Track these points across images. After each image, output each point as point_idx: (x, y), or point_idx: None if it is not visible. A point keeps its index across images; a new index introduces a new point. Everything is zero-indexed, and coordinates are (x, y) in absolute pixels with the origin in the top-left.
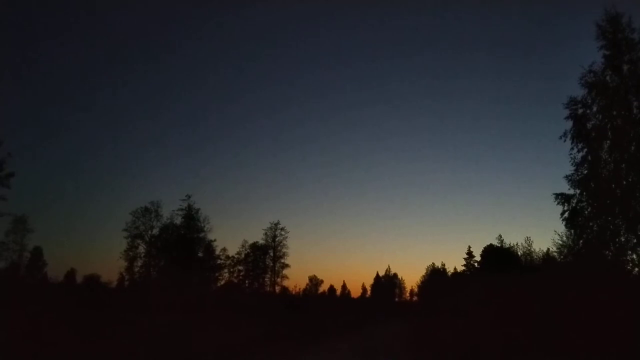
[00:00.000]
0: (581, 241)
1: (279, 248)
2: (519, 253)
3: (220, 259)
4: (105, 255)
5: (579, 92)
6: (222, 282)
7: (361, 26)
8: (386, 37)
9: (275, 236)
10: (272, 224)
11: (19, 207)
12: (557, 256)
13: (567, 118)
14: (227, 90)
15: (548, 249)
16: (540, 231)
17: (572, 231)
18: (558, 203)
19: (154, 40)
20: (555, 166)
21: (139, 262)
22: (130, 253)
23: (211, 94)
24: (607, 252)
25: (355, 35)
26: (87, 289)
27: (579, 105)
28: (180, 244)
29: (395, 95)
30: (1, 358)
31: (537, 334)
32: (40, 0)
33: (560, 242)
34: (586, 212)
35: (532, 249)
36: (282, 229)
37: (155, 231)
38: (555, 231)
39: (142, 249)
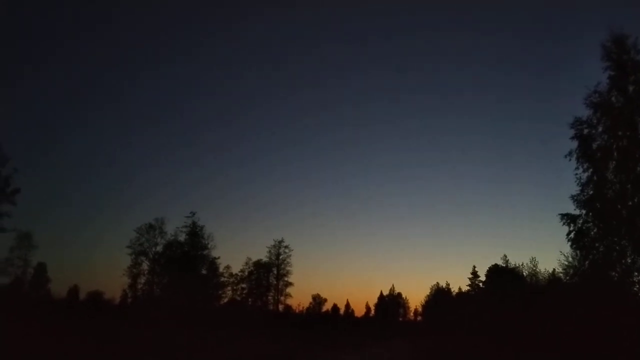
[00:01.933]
0: (587, 262)
1: (283, 266)
2: (525, 273)
3: (224, 277)
4: (108, 271)
5: (585, 112)
6: (226, 300)
7: (371, 40)
8: (399, 52)
9: (279, 254)
10: (276, 241)
11: (23, 223)
12: (562, 277)
13: (572, 138)
14: (232, 108)
15: (554, 269)
16: (545, 252)
17: (578, 252)
18: (564, 223)
19: (159, 57)
20: (561, 186)
21: (143, 279)
22: (134, 270)
23: (215, 111)
24: (614, 273)
25: (365, 51)
26: (90, 306)
27: (585, 125)
28: (183, 261)
29: (400, 114)
30: None
31: (543, 354)
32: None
33: (566, 263)
34: (592, 232)
35: (538, 270)
36: (286, 246)
37: (159, 248)
38: (560, 252)
39: (145, 265)
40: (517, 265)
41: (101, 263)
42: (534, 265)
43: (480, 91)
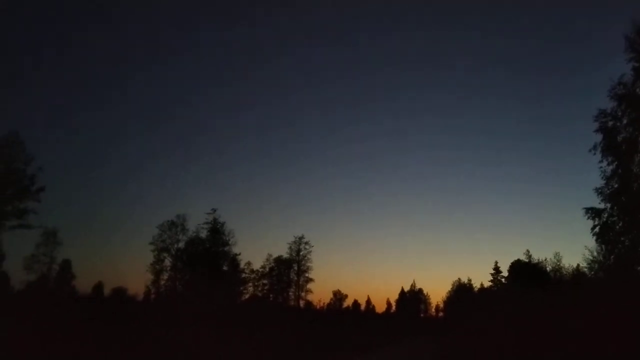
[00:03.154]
0: (612, 256)
1: (304, 262)
2: (548, 269)
3: (245, 273)
4: (132, 268)
5: (609, 105)
6: (247, 296)
7: (396, 35)
8: (420, 52)
9: (299, 250)
10: (296, 238)
11: (48, 220)
12: (587, 272)
13: (596, 131)
14: (251, 104)
15: (578, 264)
16: (569, 246)
17: (603, 246)
18: (588, 217)
19: (178, 56)
20: (585, 179)
21: (165, 275)
22: (157, 266)
23: (236, 106)
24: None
25: (384, 49)
26: (114, 302)
27: (609, 118)
28: (205, 257)
29: (423, 110)
30: None
31: (569, 351)
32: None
33: (591, 258)
34: (617, 226)
35: (562, 265)
36: (306, 243)
37: (181, 244)
38: (585, 246)
39: (168, 262)
40: (541, 260)
41: (125, 260)
42: (557, 261)
43: (501, 90)
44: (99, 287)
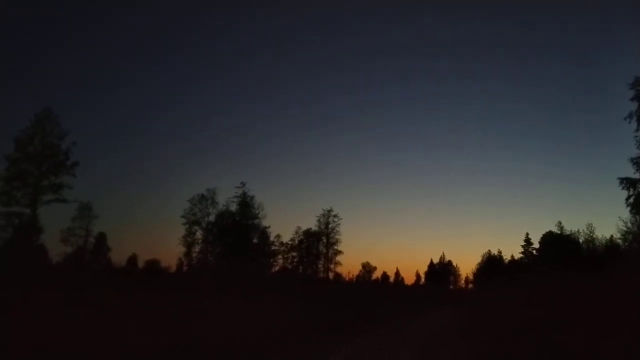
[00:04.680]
0: None
1: (332, 235)
2: (581, 240)
3: (275, 246)
4: (165, 241)
5: None
6: (277, 268)
7: (427, 23)
8: (449, 38)
9: (328, 223)
10: (325, 210)
11: (84, 194)
12: (621, 243)
13: (632, 99)
14: (278, 77)
15: (611, 235)
16: (603, 217)
17: (638, 217)
18: (623, 188)
19: (210, 30)
20: (620, 149)
21: (197, 248)
22: (188, 239)
23: (265, 83)
24: None
25: (420, 32)
26: (148, 274)
27: None
28: (235, 230)
29: (448, 93)
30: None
31: (602, 326)
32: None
33: (625, 229)
34: None
35: (595, 236)
36: (335, 215)
37: (212, 218)
38: (619, 217)
39: (199, 235)
40: (573, 231)
41: (158, 232)
42: (590, 232)
43: (531, 58)
44: (133, 259)
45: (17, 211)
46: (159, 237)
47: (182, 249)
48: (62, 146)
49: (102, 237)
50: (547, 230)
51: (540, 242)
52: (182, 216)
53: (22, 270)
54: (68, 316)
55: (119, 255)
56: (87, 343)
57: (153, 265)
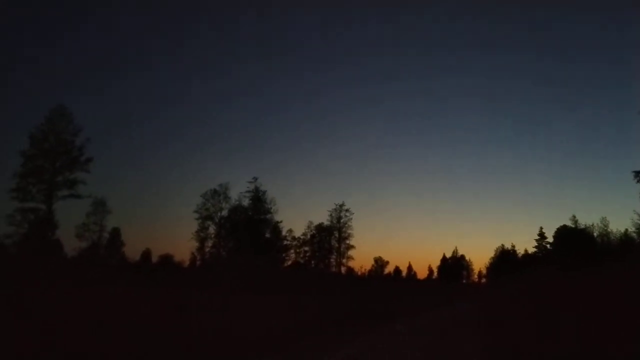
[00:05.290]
0: None
1: (344, 229)
2: (595, 234)
3: (287, 240)
4: (178, 236)
5: None
6: (289, 263)
7: (443, 19)
8: (465, 36)
9: (340, 217)
10: (337, 205)
11: (97, 190)
12: (635, 237)
13: None
14: (290, 71)
15: (626, 229)
16: (617, 211)
17: None
18: (637, 181)
19: (222, 22)
20: (634, 142)
21: (210, 243)
22: (201, 234)
23: (277, 76)
24: None
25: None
26: (161, 268)
27: None
28: (248, 225)
29: (464, 86)
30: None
31: (613, 320)
32: None
33: None
34: None
35: (609, 230)
36: (347, 210)
37: (224, 213)
38: (634, 210)
39: (212, 230)
40: (587, 225)
41: (171, 227)
42: (604, 226)
43: (547, 56)
44: (147, 254)
45: (33, 207)
46: (172, 232)
47: (195, 244)
48: (76, 142)
49: (116, 232)
50: (562, 224)
51: (554, 236)
52: (195, 211)
53: (38, 265)
54: (82, 312)
55: (132, 250)
56: (99, 339)
57: (166, 260)
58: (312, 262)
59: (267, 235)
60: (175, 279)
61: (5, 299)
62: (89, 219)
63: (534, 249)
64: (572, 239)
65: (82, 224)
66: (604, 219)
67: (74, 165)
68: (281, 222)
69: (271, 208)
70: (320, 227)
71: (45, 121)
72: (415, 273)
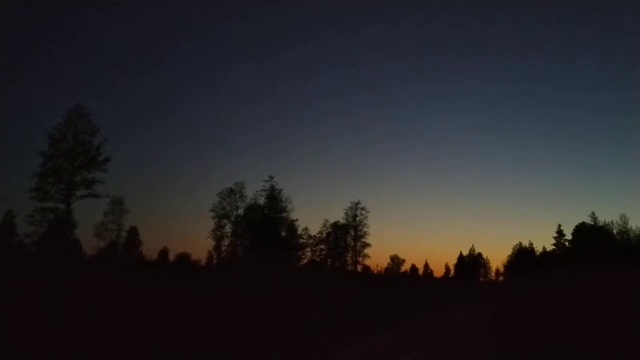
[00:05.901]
0: None
1: (360, 227)
2: (614, 231)
3: (303, 238)
4: (195, 234)
5: None
6: (305, 261)
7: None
8: (478, 39)
9: (355, 216)
10: (352, 203)
11: (115, 189)
12: None
13: None
14: (305, 69)
15: None
16: (637, 207)
17: None
18: None
19: (239, 20)
20: None
21: (226, 241)
22: (218, 232)
23: (293, 75)
24: None
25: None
26: (178, 267)
27: None
28: (264, 223)
29: (480, 78)
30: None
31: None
32: None
33: None
34: None
35: (629, 227)
36: (362, 208)
37: (240, 211)
38: None
39: (228, 228)
40: (607, 222)
41: (188, 226)
42: (624, 223)
43: (564, 53)
44: (164, 252)
45: (52, 206)
46: (189, 230)
47: (211, 242)
48: (94, 142)
49: (133, 231)
50: (580, 222)
51: (573, 234)
52: (211, 210)
53: (57, 264)
54: (100, 310)
55: (150, 249)
56: (116, 336)
57: (184, 259)
58: (328, 260)
59: (283, 233)
60: (192, 277)
61: (27, 297)
62: (107, 218)
63: (553, 247)
64: (591, 236)
65: (100, 223)
66: (623, 216)
67: (92, 165)
68: (297, 220)
69: (287, 206)
70: (336, 226)
71: (64, 121)
72: (431, 271)
